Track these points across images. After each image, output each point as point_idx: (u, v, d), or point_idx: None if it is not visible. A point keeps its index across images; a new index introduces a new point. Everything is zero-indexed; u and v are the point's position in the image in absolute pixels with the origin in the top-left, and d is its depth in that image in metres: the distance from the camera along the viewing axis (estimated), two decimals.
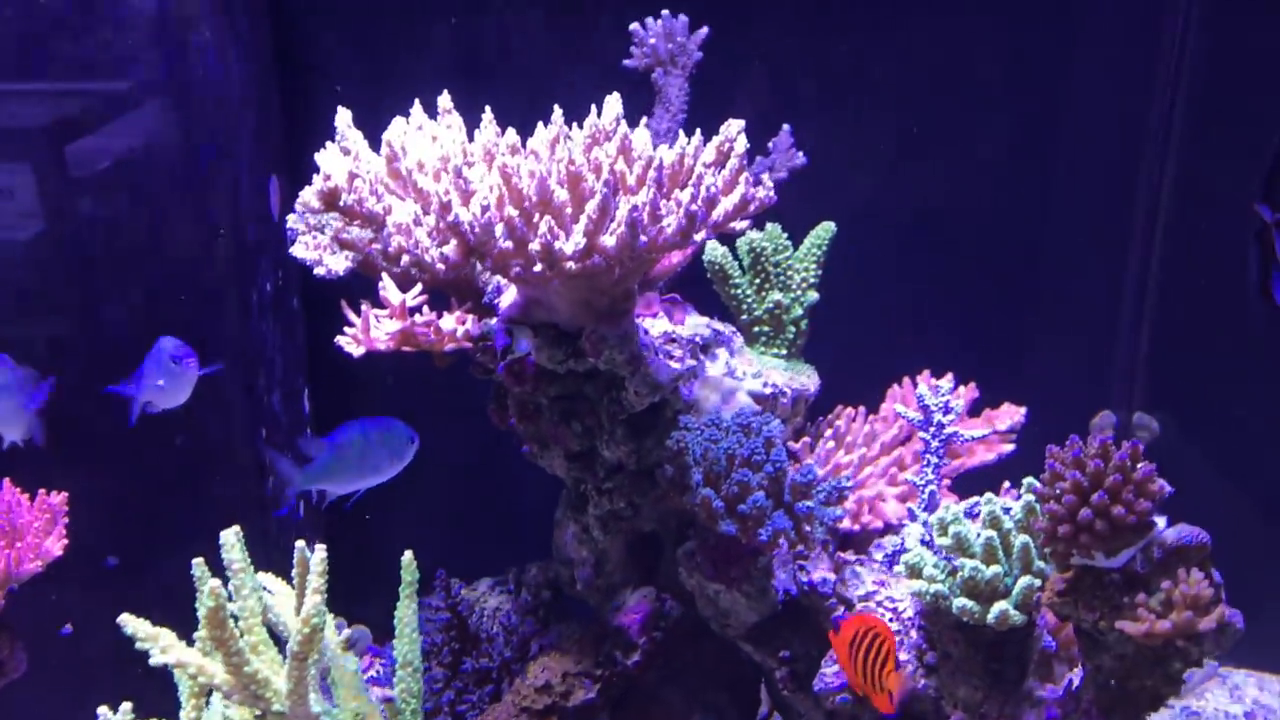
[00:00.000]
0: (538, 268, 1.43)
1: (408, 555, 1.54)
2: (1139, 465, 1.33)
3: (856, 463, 1.81)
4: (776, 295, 1.88)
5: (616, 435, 1.69)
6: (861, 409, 1.90)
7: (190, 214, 1.85)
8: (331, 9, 2.09)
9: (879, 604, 1.60)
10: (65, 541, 1.55)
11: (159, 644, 1.35)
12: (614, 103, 1.52)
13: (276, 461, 1.61)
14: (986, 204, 2.17)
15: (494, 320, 1.68)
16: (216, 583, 1.34)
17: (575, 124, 1.53)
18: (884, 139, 2.14)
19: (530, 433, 1.75)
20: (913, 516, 1.68)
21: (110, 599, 1.83)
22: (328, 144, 1.60)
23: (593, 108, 1.52)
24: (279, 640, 1.50)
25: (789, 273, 1.89)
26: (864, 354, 2.06)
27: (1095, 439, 1.36)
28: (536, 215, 1.43)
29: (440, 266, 1.49)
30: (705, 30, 1.87)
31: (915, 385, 1.86)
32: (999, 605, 1.41)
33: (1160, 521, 1.36)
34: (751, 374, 1.82)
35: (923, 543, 1.59)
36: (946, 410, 1.67)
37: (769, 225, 1.89)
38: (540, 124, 1.53)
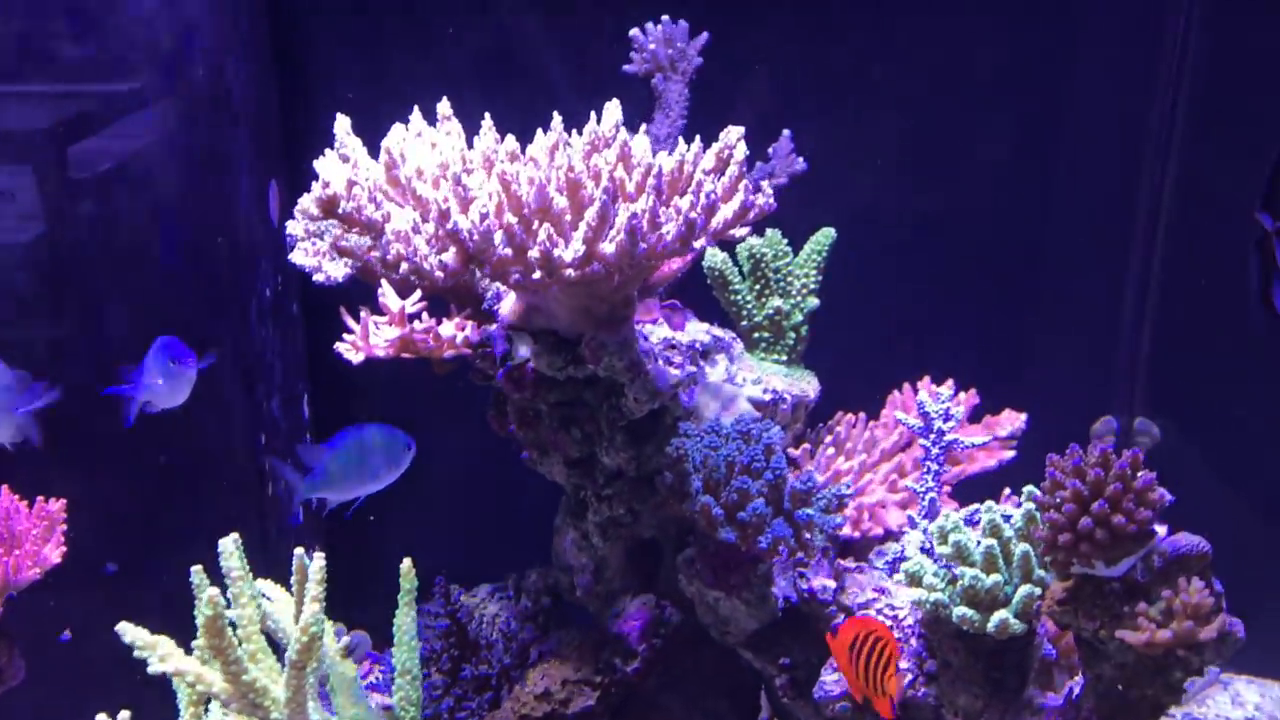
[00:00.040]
0: (537, 275, 1.43)
1: (406, 563, 1.54)
2: (1139, 474, 1.33)
3: (857, 469, 1.80)
4: (776, 301, 1.87)
5: (616, 442, 1.68)
6: (862, 415, 1.89)
7: (189, 218, 1.85)
8: (331, 13, 2.09)
9: (879, 612, 1.60)
10: (64, 549, 1.54)
11: (157, 652, 1.35)
12: (613, 109, 1.52)
13: (281, 470, 1.61)
14: (987, 208, 2.17)
15: (493, 327, 1.68)
16: (214, 591, 1.34)
17: (575, 130, 1.53)
18: (884, 143, 2.13)
19: (530, 439, 1.74)
20: (913, 524, 1.67)
21: (109, 605, 1.84)
22: (326, 151, 1.59)
23: (592, 114, 1.52)
24: (278, 647, 1.50)
25: (789, 279, 1.89)
26: (864, 359, 2.05)
27: (1095, 447, 1.35)
28: (536, 222, 1.43)
29: (439, 274, 1.49)
30: (705, 35, 1.87)
31: (916, 391, 1.85)
32: (999, 614, 1.41)
33: (1161, 530, 1.36)
34: (751, 380, 1.82)
35: (923, 550, 1.59)
36: (947, 417, 1.67)
37: (769, 231, 1.89)
38: (540, 130, 1.53)
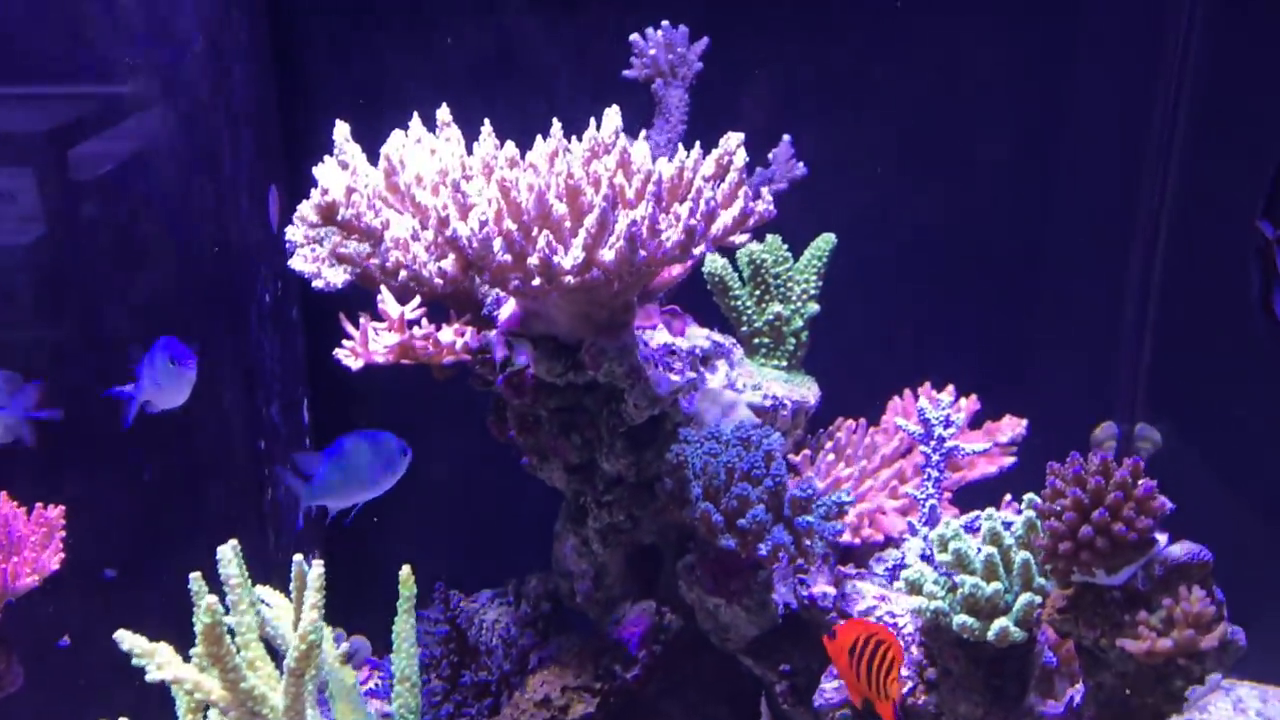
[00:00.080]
0: (536, 282, 1.43)
1: (405, 570, 1.53)
2: (1140, 482, 1.32)
3: (857, 475, 1.80)
4: (777, 307, 1.87)
5: (616, 448, 1.68)
6: (862, 421, 1.89)
7: (189, 223, 1.85)
8: (331, 17, 2.09)
9: (879, 619, 1.60)
10: (62, 555, 1.54)
11: (155, 660, 1.34)
12: (613, 115, 1.52)
13: (284, 478, 1.61)
14: (987, 212, 2.16)
15: (493, 332, 1.68)
16: (213, 599, 1.34)
17: (575, 137, 1.53)
18: (885, 148, 2.13)
19: (529, 445, 1.74)
20: (913, 531, 1.67)
21: (108, 611, 1.84)
22: (326, 157, 1.59)
23: (592, 121, 1.52)
24: (277, 653, 1.49)
25: (789, 284, 1.89)
26: (865, 365, 2.05)
27: (1096, 455, 1.35)
28: (535, 229, 1.43)
29: (438, 281, 1.49)
30: (705, 41, 1.87)
31: (916, 397, 1.85)
32: (999, 622, 1.41)
33: (1162, 539, 1.35)
34: (751, 386, 1.82)
35: (923, 557, 1.58)
36: (947, 424, 1.66)
37: (769, 237, 1.89)
38: (539, 137, 1.53)
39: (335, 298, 1.70)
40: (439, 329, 1.64)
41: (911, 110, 2.12)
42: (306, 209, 1.60)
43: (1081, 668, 1.44)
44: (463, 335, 1.64)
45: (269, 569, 1.79)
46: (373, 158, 1.59)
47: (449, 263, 1.48)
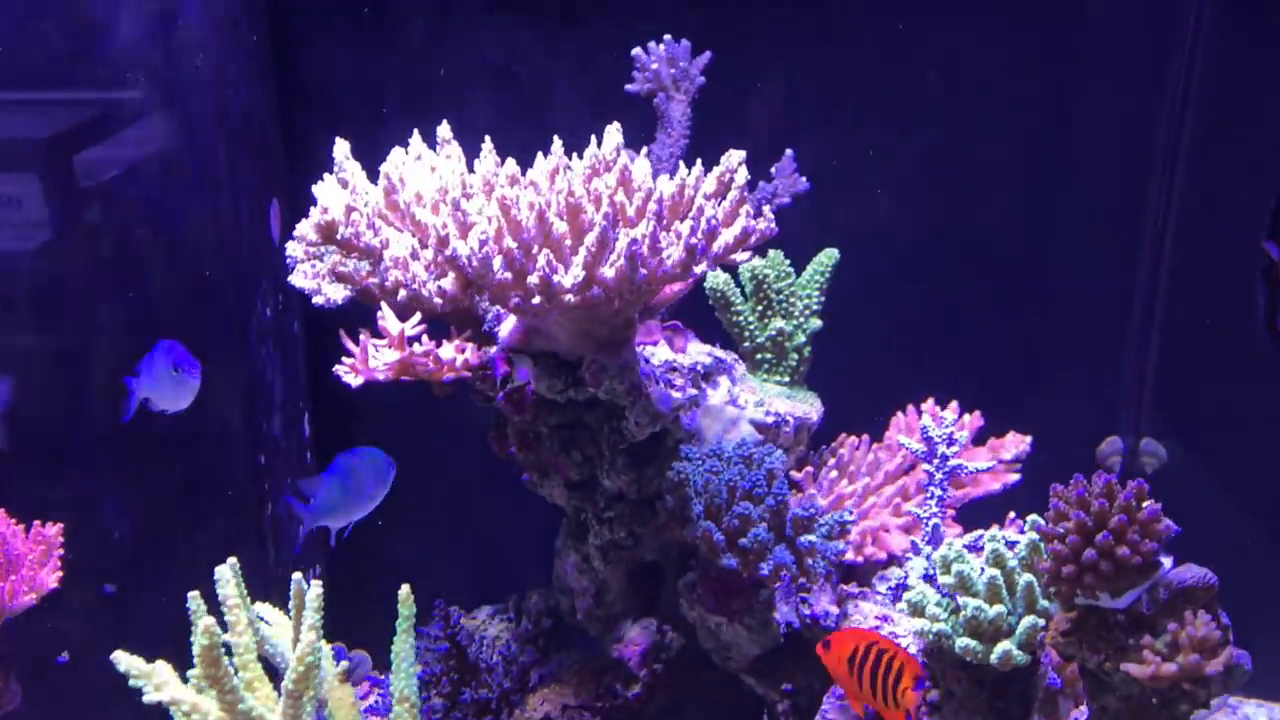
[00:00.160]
0: (536, 300, 1.42)
1: (404, 589, 1.52)
2: (1144, 504, 1.31)
3: (860, 492, 1.79)
4: (779, 323, 1.86)
5: (617, 465, 1.67)
6: (865, 437, 1.88)
7: (190, 236, 1.84)
8: (331, 29, 2.08)
9: None
10: (60, 573, 1.54)
11: (152, 681, 1.34)
12: (614, 133, 1.51)
13: (292, 506, 1.61)
14: (991, 227, 2.15)
15: (493, 349, 1.67)
16: (210, 620, 1.33)
17: (575, 154, 1.52)
18: (887, 162, 2.12)
19: (530, 461, 1.73)
20: (916, 550, 1.66)
21: (107, 627, 1.84)
22: (325, 175, 1.59)
23: (593, 138, 1.51)
24: (276, 672, 1.49)
25: (792, 300, 1.88)
26: (867, 380, 2.04)
27: (1100, 477, 1.34)
28: (535, 247, 1.42)
29: (437, 300, 1.48)
30: (708, 55, 1.86)
31: (919, 413, 1.84)
32: (1002, 645, 1.40)
33: (1166, 562, 1.34)
34: (754, 402, 1.81)
35: (925, 578, 1.57)
36: (950, 442, 1.65)
37: (771, 252, 1.88)
38: (540, 154, 1.52)
39: (337, 312, 1.70)
40: (439, 345, 1.63)
41: (914, 124, 2.11)
42: (306, 227, 1.60)
43: (1086, 690, 1.42)
44: (463, 352, 1.64)
45: (269, 584, 1.78)
46: (373, 175, 1.58)
47: (448, 282, 1.48)
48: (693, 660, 1.72)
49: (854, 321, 1.94)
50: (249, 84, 1.94)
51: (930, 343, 2.17)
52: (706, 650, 1.70)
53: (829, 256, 1.89)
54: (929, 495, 1.67)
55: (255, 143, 1.96)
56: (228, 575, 1.44)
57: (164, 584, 1.79)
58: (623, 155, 1.50)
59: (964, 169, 2.12)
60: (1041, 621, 1.40)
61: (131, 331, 1.82)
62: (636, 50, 1.86)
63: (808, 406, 1.86)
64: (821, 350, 1.91)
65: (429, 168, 1.59)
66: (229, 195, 1.87)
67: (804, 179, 1.89)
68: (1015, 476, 1.81)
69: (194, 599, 1.39)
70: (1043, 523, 1.38)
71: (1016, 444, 1.82)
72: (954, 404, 1.80)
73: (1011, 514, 1.76)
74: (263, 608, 1.57)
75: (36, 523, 1.56)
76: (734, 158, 1.52)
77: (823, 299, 1.89)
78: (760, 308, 1.87)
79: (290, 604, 1.46)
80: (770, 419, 1.79)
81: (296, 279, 1.69)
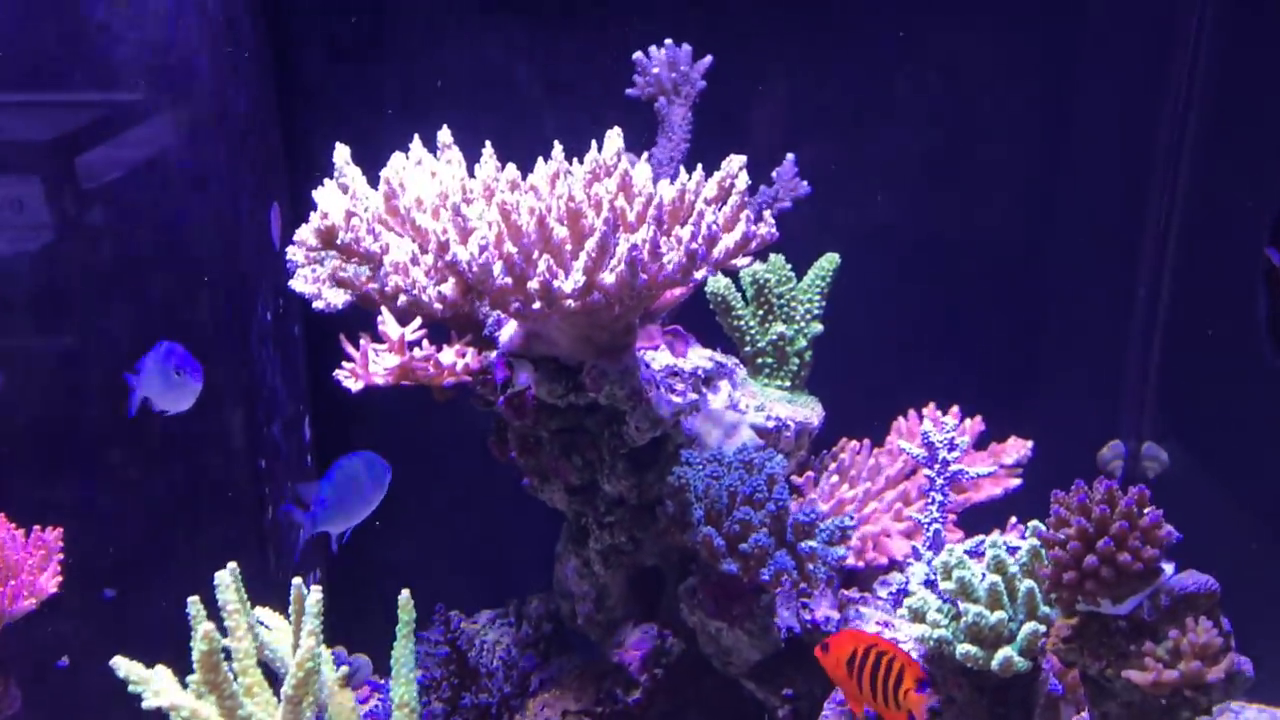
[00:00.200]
0: (537, 305, 1.42)
1: (404, 595, 1.52)
2: (1146, 511, 1.31)
3: (861, 497, 1.79)
4: (780, 327, 1.86)
5: (617, 469, 1.67)
6: (866, 442, 1.88)
7: (190, 239, 1.84)
8: (332, 30, 2.08)
9: None
10: (60, 578, 1.53)
11: (151, 687, 1.34)
12: (615, 138, 1.51)
13: (293, 514, 1.60)
14: (992, 231, 2.15)
15: (494, 354, 1.67)
16: (210, 626, 1.33)
17: (576, 159, 1.52)
18: (888, 166, 2.12)
19: (531, 466, 1.73)
20: (917, 555, 1.66)
21: (107, 631, 1.84)
22: (325, 181, 1.58)
23: (593, 143, 1.51)
24: (276, 677, 1.48)
25: (793, 304, 1.87)
26: (868, 385, 2.04)
27: (1101, 483, 1.33)
28: (536, 252, 1.42)
29: (437, 306, 1.48)
30: (709, 59, 1.86)
31: (920, 418, 1.83)
32: (1003, 651, 1.39)
33: (1168, 568, 1.34)
34: (754, 407, 1.80)
35: (926, 583, 1.57)
36: (951, 447, 1.65)
37: (772, 256, 1.88)
38: (541, 159, 1.52)
39: (337, 316, 1.69)
40: (439, 350, 1.63)
41: (915, 127, 2.11)
42: (306, 232, 1.60)
43: (1087, 697, 1.42)
44: (463, 356, 1.63)
45: (269, 588, 1.78)
46: (374, 180, 1.58)
47: (448, 287, 1.48)
48: (693, 665, 1.72)
49: (855, 326, 1.94)
50: (249, 86, 1.94)
51: (931, 347, 2.17)
52: (707, 655, 1.69)
53: (830, 261, 1.88)
54: (930, 500, 1.66)
55: (256, 145, 1.96)
56: (227, 580, 1.43)
57: (164, 588, 1.79)
58: (623, 160, 1.50)
59: (966, 172, 2.12)
60: (1043, 628, 1.40)
61: (132, 334, 1.82)
62: (637, 54, 1.85)
63: (809, 411, 1.86)
64: (822, 354, 1.91)
65: (429, 173, 1.58)
66: (229, 198, 1.87)
67: (805, 183, 1.89)
68: (1016, 481, 1.81)
69: (194, 604, 1.39)
70: (1044, 529, 1.38)
71: (1018, 449, 1.82)
72: (955, 408, 1.80)
73: (1013, 519, 1.76)
74: (263, 612, 1.57)
75: (36, 527, 1.56)
76: (734, 163, 1.52)
77: (824, 303, 1.88)
78: (761, 312, 1.87)
79: (290, 609, 1.46)
80: (771, 423, 1.79)
81: (297, 284, 1.69)
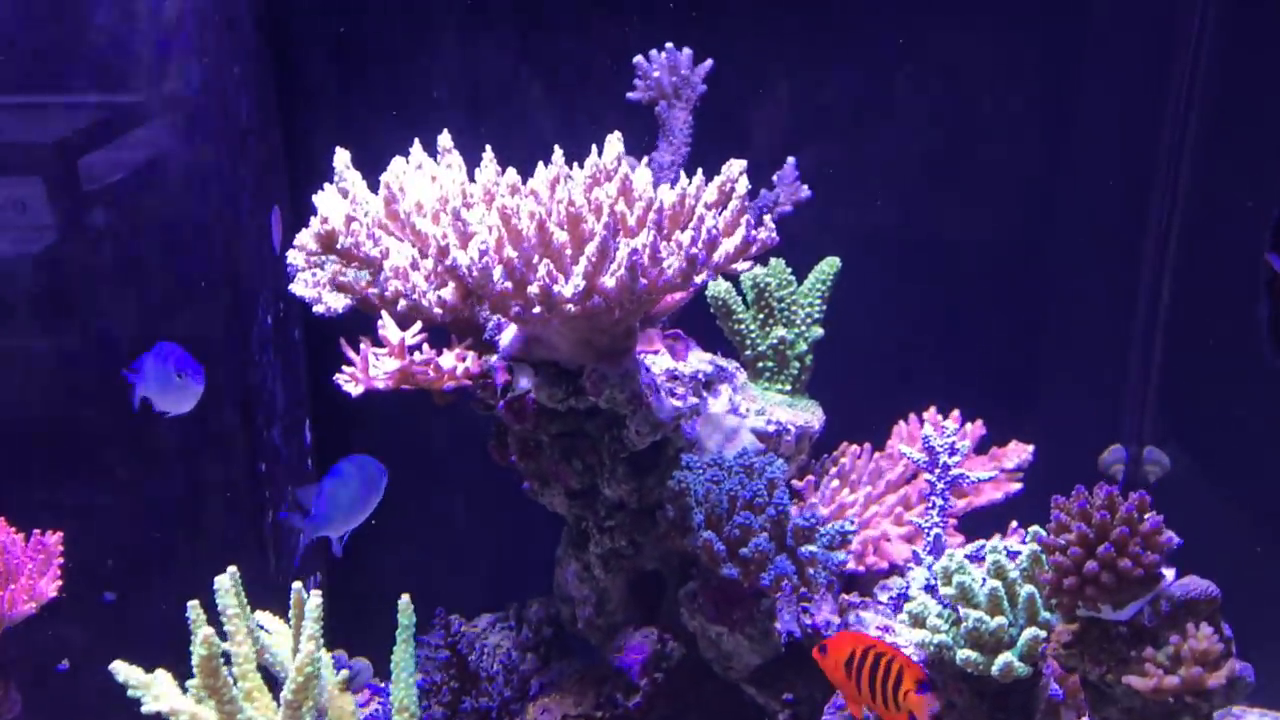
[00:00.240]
0: (537, 310, 1.42)
1: (404, 599, 1.52)
2: (1146, 516, 1.31)
3: (862, 501, 1.78)
4: (781, 331, 1.86)
5: (618, 473, 1.67)
6: (867, 446, 1.87)
7: (189, 243, 1.84)
8: (333, 32, 2.08)
9: None
10: (60, 582, 1.54)
11: (151, 691, 1.34)
12: (615, 142, 1.51)
13: (292, 520, 1.60)
14: (993, 234, 2.15)
15: (494, 358, 1.67)
16: (209, 631, 1.33)
17: (576, 163, 1.52)
18: (889, 169, 2.12)
19: (531, 470, 1.73)
20: (918, 560, 1.65)
21: (108, 635, 1.84)
22: (325, 185, 1.58)
23: (594, 147, 1.51)
24: (275, 681, 1.48)
25: (793, 308, 1.87)
26: (869, 388, 2.04)
27: (1101, 489, 1.33)
28: (536, 257, 1.42)
29: (437, 311, 1.48)
30: (709, 63, 1.86)
31: (921, 422, 1.83)
32: (1003, 657, 1.39)
33: (1169, 574, 1.33)
34: (755, 411, 1.80)
35: (926, 588, 1.57)
36: (952, 451, 1.65)
37: (773, 260, 1.87)
38: (541, 164, 1.52)
39: (338, 320, 1.69)
40: (440, 354, 1.63)
41: (917, 129, 2.11)
42: (306, 237, 1.60)
43: (1087, 702, 1.42)
44: (464, 360, 1.63)
45: (270, 591, 1.78)
46: (374, 185, 1.58)
47: (448, 291, 1.48)
48: (694, 670, 1.72)
49: (856, 330, 1.94)
50: (250, 88, 1.94)
51: (932, 351, 2.17)
52: (707, 660, 1.69)
53: (831, 265, 1.88)
54: (931, 505, 1.66)
55: (256, 148, 1.96)
56: (227, 585, 1.44)
57: (164, 592, 1.78)
58: (624, 164, 1.50)
59: (966, 175, 2.12)
60: (1043, 633, 1.40)
61: (132, 336, 1.82)
62: (638, 58, 1.85)
63: (809, 415, 1.85)
64: (823, 358, 1.90)
65: (429, 177, 1.58)
66: (230, 200, 1.87)
67: (806, 187, 1.89)
68: (1017, 485, 1.81)
69: (193, 608, 1.39)
70: (1044, 534, 1.38)
71: (1018, 453, 1.81)
72: (956, 413, 1.79)
73: (1014, 523, 1.75)
74: (263, 616, 1.57)
75: (36, 531, 1.56)
76: (735, 167, 1.52)
77: (824, 307, 1.88)
78: (762, 316, 1.87)
79: (290, 613, 1.46)
80: (771, 427, 1.79)
81: (297, 288, 1.69)
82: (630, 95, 1.87)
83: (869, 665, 1.34)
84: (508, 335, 1.66)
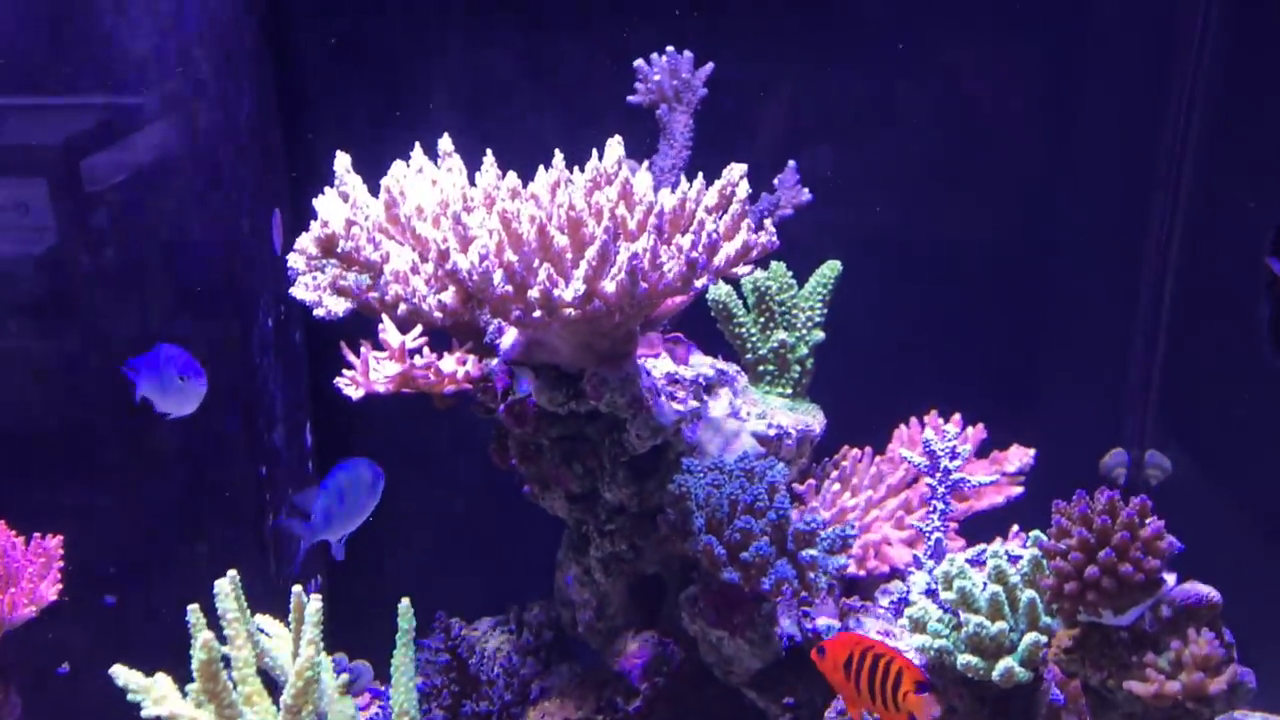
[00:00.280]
0: (537, 314, 1.42)
1: (404, 603, 1.52)
2: (1147, 522, 1.31)
3: (862, 505, 1.78)
4: (781, 334, 1.85)
5: (618, 477, 1.67)
6: (868, 449, 1.87)
7: (191, 247, 1.84)
8: (334, 35, 2.08)
9: None
10: (60, 586, 1.53)
11: (151, 695, 1.34)
12: (615, 146, 1.51)
13: (291, 526, 1.60)
14: (994, 237, 2.14)
15: (495, 361, 1.67)
16: (209, 635, 1.33)
17: (577, 167, 1.52)
18: (890, 172, 2.11)
19: (531, 474, 1.73)
20: (919, 564, 1.65)
21: (108, 638, 1.84)
22: (326, 188, 1.58)
23: (594, 151, 1.50)
24: (275, 685, 1.48)
25: (794, 312, 1.87)
26: (870, 392, 2.03)
27: (1103, 493, 1.33)
28: (536, 261, 1.42)
29: (438, 314, 1.48)
30: (710, 66, 1.86)
31: (922, 426, 1.83)
32: (1004, 662, 1.39)
33: (1170, 579, 1.33)
34: (756, 414, 1.80)
35: (927, 592, 1.56)
36: (953, 455, 1.64)
37: (774, 264, 1.87)
38: (541, 167, 1.52)
39: (338, 324, 1.69)
40: (440, 358, 1.63)
41: (918, 131, 2.10)
42: (306, 240, 1.59)
43: (1088, 707, 1.42)
44: (464, 364, 1.63)
45: (270, 595, 1.78)
46: (375, 188, 1.57)
47: (448, 295, 1.47)
48: (694, 674, 1.72)
49: (857, 333, 1.94)
50: (252, 91, 1.94)
51: (933, 354, 2.16)
52: (708, 664, 1.69)
53: (831, 269, 1.88)
54: (932, 509, 1.66)
55: (257, 150, 1.96)
56: (227, 588, 1.43)
57: (165, 595, 1.78)
58: (624, 168, 1.49)
59: (967, 176, 2.11)
60: (1044, 638, 1.40)
61: (133, 338, 1.82)
62: (639, 62, 1.85)
63: (810, 418, 1.85)
64: (824, 362, 1.90)
65: (430, 181, 1.58)
66: (231, 202, 1.87)
67: (807, 190, 1.89)
68: (1018, 489, 1.81)
69: (193, 612, 1.39)
70: (1045, 539, 1.37)
71: (1020, 456, 1.81)
72: (956, 416, 1.79)
73: (1015, 527, 1.75)
74: (263, 619, 1.57)
75: (36, 535, 1.56)
76: (735, 171, 1.52)
77: (825, 311, 1.88)
78: (762, 320, 1.87)
79: (290, 616, 1.46)
80: (772, 431, 1.79)
81: (297, 291, 1.69)
82: (631, 98, 1.87)
83: (868, 666, 1.34)
84: (508, 339, 1.66)
